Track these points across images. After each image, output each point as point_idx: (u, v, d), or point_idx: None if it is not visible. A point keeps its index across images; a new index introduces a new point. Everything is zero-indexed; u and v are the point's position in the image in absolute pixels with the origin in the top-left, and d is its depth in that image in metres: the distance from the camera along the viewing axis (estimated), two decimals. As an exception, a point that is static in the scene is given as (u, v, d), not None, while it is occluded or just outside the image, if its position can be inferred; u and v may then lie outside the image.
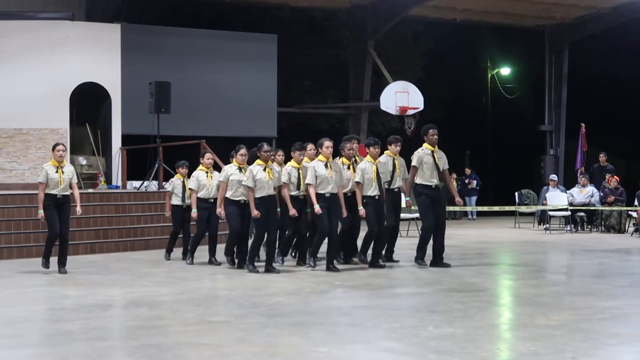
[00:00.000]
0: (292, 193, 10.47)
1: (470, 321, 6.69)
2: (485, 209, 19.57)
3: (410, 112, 20.57)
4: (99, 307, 7.68)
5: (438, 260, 10.48)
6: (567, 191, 17.87)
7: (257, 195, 9.83)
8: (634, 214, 16.62)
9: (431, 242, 10.54)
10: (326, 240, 10.18)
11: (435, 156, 10.39)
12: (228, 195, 10.37)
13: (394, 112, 20.86)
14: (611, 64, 26.32)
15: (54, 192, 10.09)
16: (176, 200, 11.73)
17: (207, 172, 11.28)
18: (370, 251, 10.59)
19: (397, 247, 11.26)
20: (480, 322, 6.67)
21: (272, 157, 10.48)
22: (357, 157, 11.00)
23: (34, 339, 6.37)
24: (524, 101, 29.90)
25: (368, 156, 10.38)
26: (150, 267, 11.06)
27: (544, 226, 17.54)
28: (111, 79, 18.12)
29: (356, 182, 10.21)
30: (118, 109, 18.21)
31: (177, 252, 12.01)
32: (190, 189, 11.29)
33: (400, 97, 20.50)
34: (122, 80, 18.20)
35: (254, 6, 23.66)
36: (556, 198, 17.47)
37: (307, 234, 10.78)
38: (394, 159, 10.79)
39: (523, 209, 18.86)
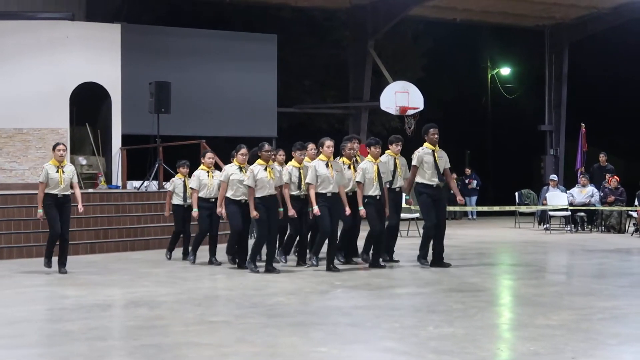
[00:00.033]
0: (293, 193, 10.48)
1: (470, 321, 6.69)
2: (485, 209, 19.57)
3: (410, 112, 20.57)
4: (99, 307, 7.68)
5: (438, 260, 10.48)
6: (567, 191, 17.87)
7: (258, 195, 9.83)
8: (634, 214, 16.62)
9: (431, 242, 10.54)
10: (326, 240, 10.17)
11: (436, 155, 10.38)
12: (229, 195, 10.38)
13: (394, 112, 20.86)
14: (611, 64, 26.32)
15: (54, 191, 10.08)
16: (177, 200, 11.73)
17: (208, 172, 11.28)
18: (371, 251, 10.59)
19: (397, 247, 11.26)
20: (480, 322, 6.67)
21: (273, 156, 10.48)
22: (357, 157, 11.00)
23: (33, 339, 6.37)
24: (524, 101, 29.90)
25: (369, 156, 10.37)
26: (150, 267, 11.05)
27: (544, 226, 17.53)
28: (111, 79, 18.12)
29: (357, 182, 10.20)
30: (118, 109, 18.21)
31: (177, 252, 12.01)
32: (191, 188, 11.29)
33: (400, 97, 20.50)
34: (122, 80, 18.19)
35: (254, 6, 23.66)
36: (556, 198, 17.47)
37: (310, 234, 10.78)
38: (395, 158, 10.79)
39: (523, 209, 18.86)
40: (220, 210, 10.63)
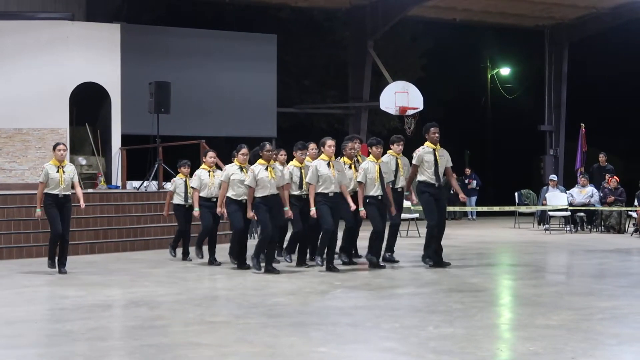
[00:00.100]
0: (295, 192, 10.48)
1: (470, 321, 6.69)
2: (485, 209, 19.57)
3: (410, 112, 20.57)
4: (99, 307, 7.68)
5: (438, 260, 10.47)
6: (567, 191, 17.87)
7: (260, 195, 9.82)
8: (634, 214, 16.62)
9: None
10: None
11: (437, 154, 10.36)
12: (230, 194, 10.38)
13: (393, 112, 20.86)
14: (611, 64, 26.33)
15: (55, 191, 10.08)
16: (178, 200, 11.73)
17: (209, 171, 11.27)
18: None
19: (397, 247, 11.25)
20: (480, 322, 6.67)
21: (275, 156, 10.47)
22: (359, 157, 11.00)
23: (33, 339, 6.36)
24: (523, 101, 29.91)
25: (371, 156, 10.36)
26: (150, 267, 11.05)
27: (544, 226, 17.53)
28: (111, 79, 18.12)
29: (358, 182, 10.19)
30: (118, 109, 18.20)
31: (177, 252, 12.02)
32: (192, 187, 11.29)
33: (400, 97, 20.50)
34: (122, 80, 18.19)
35: (254, 6, 23.67)
36: (556, 198, 17.47)
37: (310, 234, 10.77)
38: (397, 158, 10.79)
39: (523, 209, 18.86)
40: (221, 210, 10.63)
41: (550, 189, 17.99)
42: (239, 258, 10.47)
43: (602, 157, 18.65)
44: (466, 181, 22.19)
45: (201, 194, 11.17)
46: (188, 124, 19.02)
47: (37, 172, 16.24)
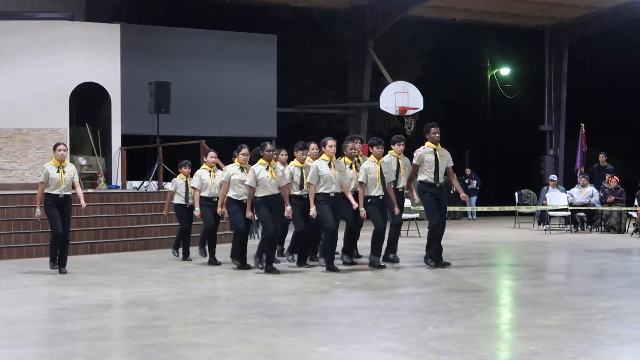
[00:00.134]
0: (296, 192, 10.47)
1: (470, 321, 6.69)
2: (485, 209, 19.57)
3: (410, 112, 20.57)
4: (99, 307, 7.68)
5: (438, 260, 10.47)
6: (567, 191, 17.88)
7: (260, 195, 9.81)
8: (634, 214, 16.62)
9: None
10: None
11: (438, 154, 10.35)
12: (230, 194, 10.36)
13: (393, 112, 20.86)
14: (611, 64, 26.33)
15: (55, 192, 10.07)
16: (179, 200, 11.72)
17: (210, 171, 11.26)
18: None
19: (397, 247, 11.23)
20: (480, 322, 6.67)
21: (275, 156, 10.46)
22: (360, 157, 10.99)
23: (33, 339, 6.36)
24: (523, 101, 29.91)
25: (372, 156, 10.35)
26: (150, 267, 11.05)
27: (544, 226, 17.53)
28: (111, 79, 18.11)
29: (360, 182, 10.18)
30: (118, 109, 18.20)
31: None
32: (192, 187, 11.29)
33: (400, 97, 20.50)
34: (122, 80, 18.18)
35: (254, 6, 23.67)
36: (556, 198, 17.47)
37: (311, 234, 10.76)
38: (398, 158, 10.78)
39: (523, 209, 18.86)
40: (221, 210, 10.62)
41: (551, 189, 17.99)
42: (240, 258, 10.46)
43: (602, 157, 18.65)
44: (466, 181, 22.19)
45: (202, 194, 11.16)
46: (188, 124, 19.02)
47: (37, 172, 16.23)
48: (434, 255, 10.43)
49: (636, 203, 16.59)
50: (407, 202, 11.85)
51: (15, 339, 6.25)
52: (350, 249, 10.76)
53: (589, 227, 17.47)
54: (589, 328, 6.36)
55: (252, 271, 10.13)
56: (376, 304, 7.73)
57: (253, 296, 8.17)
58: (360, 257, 11.19)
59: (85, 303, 7.86)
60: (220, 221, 11.49)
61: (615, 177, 17.56)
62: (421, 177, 10.40)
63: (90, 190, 15.02)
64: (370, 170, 10.16)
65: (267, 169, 9.84)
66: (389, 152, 10.80)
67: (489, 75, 31.56)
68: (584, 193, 17.37)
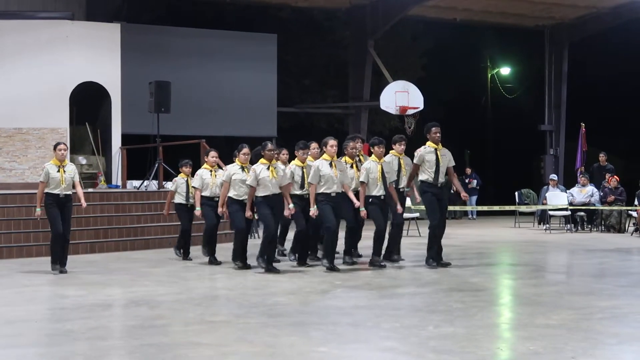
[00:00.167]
0: (297, 192, 10.47)
1: (470, 321, 6.69)
2: (485, 208, 19.57)
3: (410, 111, 20.57)
4: (99, 306, 7.68)
5: (438, 260, 10.46)
6: (567, 191, 17.87)
7: (261, 194, 9.81)
8: (634, 214, 16.62)
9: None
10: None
11: (439, 154, 10.34)
12: (231, 194, 10.35)
13: (394, 112, 20.86)
14: (611, 64, 26.34)
15: (56, 191, 10.06)
16: (179, 199, 11.71)
17: (211, 171, 11.24)
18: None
19: (397, 247, 11.24)
20: (480, 322, 6.67)
21: (276, 155, 10.45)
22: (361, 157, 10.98)
23: (33, 338, 6.36)
24: (524, 101, 29.92)
25: (373, 156, 10.34)
26: (150, 266, 11.05)
27: (544, 226, 17.53)
28: (111, 79, 18.12)
29: (361, 181, 10.18)
30: (118, 109, 18.21)
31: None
32: (193, 187, 11.27)
33: (400, 96, 20.50)
34: (122, 80, 18.19)
35: (254, 6, 23.67)
36: (556, 198, 17.47)
37: (312, 233, 10.76)
38: (399, 158, 10.76)
39: (523, 208, 18.86)
40: (222, 210, 10.60)
41: (551, 188, 17.99)
42: (241, 258, 10.44)
43: (602, 157, 18.65)
44: (466, 181, 22.20)
45: (204, 194, 11.15)
46: (188, 123, 19.03)
47: (37, 172, 16.24)
48: (435, 256, 10.42)
49: (636, 202, 16.59)
50: (408, 202, 11.84)
51: (15, 338, 6.25)
52: (351, 250, 10.75)
53: (589, 226, 17.47)
54: (589, 327, 6.36)
55: (252, 271, 10.13)
56: (376, 303, 7.73)
57: (253, 296, 8.17)
58: (360, 256, 11.18)
59: (85, 302, 7.86)
60: (221, 221, 11.46)
61: (615, 176, 17.56)
62: (422, 176, 10.39)
63: (90, 190, 15.02)
64: (372, 169, 10.15)
65: (268, 168, 9.83)
66: (390, 151, 10.79)
67: (489, 75, 31.57)
68: (584, 192, 17.37)
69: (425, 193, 10.37)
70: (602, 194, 17.31)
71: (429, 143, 10.43)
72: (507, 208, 18.80)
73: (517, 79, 31.40)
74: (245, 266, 10.34)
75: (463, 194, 10.75)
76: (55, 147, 10.34)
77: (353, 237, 10.69)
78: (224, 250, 11.48)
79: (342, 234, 10.43)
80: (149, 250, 13.22)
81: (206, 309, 7.40)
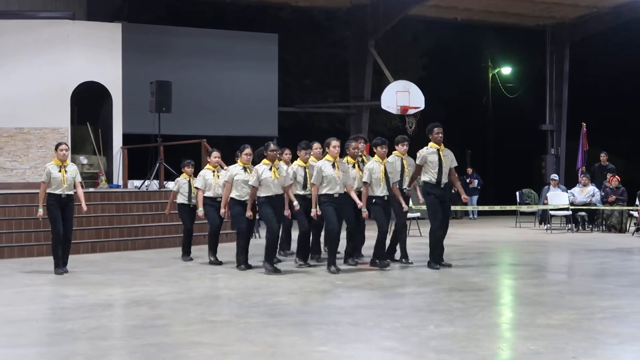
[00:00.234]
0: (299, 192, 10.45)
1: (471, 320, 6.69)
2: (486, 208, 19.57)
3: (411, 111, 20.58)
4: (100, 306, 7.69)
5: (439, 260, 10.45)
6: (568, 191, 17.86)
7: (264, 195, 9.79)
8: (635, 214, 16.62)
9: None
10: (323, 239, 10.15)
11: (441, 154, 10.32)
12: (233, 195, 10.31)
13: (395, 112, 20.86)
14: (612, 64, 26.35)
15: (57, 191, 10.05)
16: (182, 199, 11.69)
17: (213, 171, 11.21)
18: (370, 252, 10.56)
19: (397, 247, 11.22)
20: (481, 322, 6.67)
21: (279, 156, 10.42)
22: (364, 157, 10.96)
23: (34, 338, 6.37)
24: (524, 100, 29.92)
25: (376, 156, 10.32)
26: (151, 266, 11.05)
27: (545, 226, 17.53)
28: (112, 78, 18.13)
29: (364, 182, 10.16)
30: (119, 108, 18.22)
31: (178, 251, 12.03)
32: (196, 187, 11.25)
33: (401, 96, 20.51)
34: (123, 80, 18.20)
35: (254, 6, 23.68)
36: (557, 197, 17.47)
37: (313, 233, 10.75)
38: (402, 159, 10.71)
39: (524, 208, 18.85)
40: (224, 211, 10.55)
41: (552, 188, 17.99)
42: (243, 259, 10.40)
43: (603, 157, 18.64)
44: (467, 180, 22.19)
45: (206, 194, 11.11)
46: (189, 123, 19.03)
47: (38, 172, 16.28)
48: (438, 258, 10.41)
49: (637, 202, 16.59)
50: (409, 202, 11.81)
51: (16, 338, 6.25)
52: (352, 252, 10.74)
53: (590, 226, 17.46)
54: (590, 327, 6.36)
55: (253, 271, 10.13)
56: (377, 303, 7.73)
57: (254, 295, 8.17)
58: (362, 257, 11.16)
59: (86, 302, 7.86)
60: (224, 221, 11.43)
61: (616, 176, 17.55)
62: (425, 177, 10.36)
63: (91, 190, 15.02)
64: (375, 170, 10.13)
65: (271, 169, 9.81)
66: (393, 152, 10.74)
67: (490, 75, 31.58)
68: (585, 192, 17.36)
69: (428, 195, 10.32)
70: (603, 193, 17.30)
71: (431, 144, 10.40)
72: (508, 208, 18.79)
73: (518, 78, 31.41)
74: (247, 267, 10.33)
75: (463, 196, 10.72)
76: (56, 147, 10.33)
77: (353, 240, 10.68)
78: (226, 250, 11.48)
79: (343, 234, 10.43)
80: (150, 250, 13.23)
81: (207, 309, 7.40)
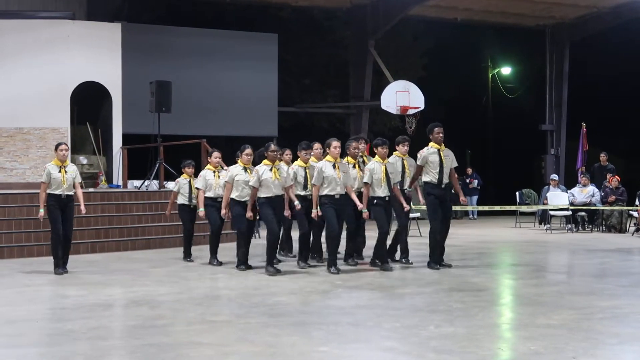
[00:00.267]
0: (300, 193, 10.44)
1: (471, 321, 6.69)
2: (486, 208, 19.57)
3: (411, 111, 20.58)
4: (100, 306, 7.69)
5: (439, 261, 10.45)
6: (568, 191, 17.87)
7: (264, 195, 9.78)
8: (635, 214, 16.62)
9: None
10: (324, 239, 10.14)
11: (442, 154, 10.31)
12: (234, 196, 10.29)
13: (394, 112, 20.86)
14: (612, 64, 26.34)
15: (57, 192, 10.04)
16: (182, 200, 11.68)
17: (214, 172, 11.20)
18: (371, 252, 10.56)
19: (398, 247, 11.22)
20: (481, 322, 6.67)
21: (279, 156, 10.41)
22: (365, 157, 10.95)
23: (34, 338, 6.37)
24: (524, 101, 29.92)
25: (376, 156, 10.31)
26: (151, 266, 11.05)
27: (545, 226, 17.53)
28: (112, 78, 18.14)
29: (364, 182, 10.15)
30: (119, 108, 18.22)
31: (178, 252, 12.02)
32: (197, 188, 11.24)
33: (401, 96, 20.51)
34: (123, 80, 18.20)
35: (254, 6, 23.68)
36: (557, 198, 17.47)
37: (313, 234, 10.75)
38: (402, 159, 10.69)
39: (524, 208, 18.86)
40: (225, 212, 10.53)
41: (552, 188, 17.99)
42: (241, 258, 10.41)
43: (603, 157, 18.64)
44: (467, 181, 22.19)
45: (207, 195, 11.09)
46: (189, 123, 19.03)
47: (37, 172, 16.28)
48: (438, 259, 10.40)
49: (637, 202, 16.59)
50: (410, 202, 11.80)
51: (16, 338, 6.25)
52: (352, 254, 10.74)
53: (590, 226, 17.46)
54: (589, 327, 6.36)
55: (253, 271, 10.13)
56: (377, 303, 7.73)
57: (254, 295, 8.17)
58: (362, 258, 11.16)
59: (86, 302, 7.86)
60: (225, 221, 11.44)
61: (616, 176, 17.55)
62: (425, 178, 10.35)
63: (91, 190, 15.02)
64: (375, 170, 10.11)
65: (271, 169, 9.80)
66: (394, 152, 10.73)
67: (490, 75, 31.57)
68: (585, 192, 17.37)
69: (429, 195, 10.30)
70: (603, 194, 17.30)
71: (431, 144, 10.39)
72: (508, 208, 18.79)
73: (518, 78, 31.41)
74: (247, 267, 10.33)
75: (462, 198, 10.72)
76: (56, 147, 10.33)
77: (354, 241, 10.68)
78: (226, 250, 11.48)
79: (343, 234, 10.43)
80: (150, 250, 13.23)
81: (207, 309, 7.40)
